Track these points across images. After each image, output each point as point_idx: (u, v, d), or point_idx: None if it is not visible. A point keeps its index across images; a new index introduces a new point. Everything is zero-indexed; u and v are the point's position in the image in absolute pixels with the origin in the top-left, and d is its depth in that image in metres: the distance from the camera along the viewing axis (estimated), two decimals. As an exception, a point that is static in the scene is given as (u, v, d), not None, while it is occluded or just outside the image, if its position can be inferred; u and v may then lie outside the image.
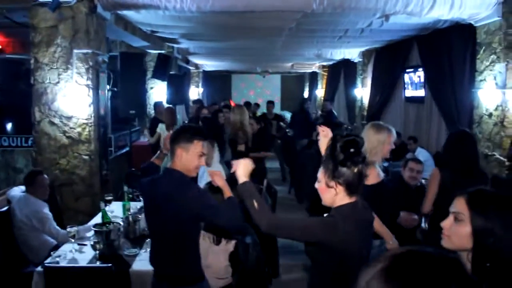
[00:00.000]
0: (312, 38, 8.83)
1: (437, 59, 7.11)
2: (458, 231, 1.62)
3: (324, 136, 2.56)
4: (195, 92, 15.78)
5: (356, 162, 2.11)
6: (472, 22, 6.10)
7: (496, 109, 5.70)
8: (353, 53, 11.52)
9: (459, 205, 1.64)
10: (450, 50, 6.68)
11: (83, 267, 3.16)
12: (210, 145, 6.01)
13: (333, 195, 2.15)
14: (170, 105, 8.68)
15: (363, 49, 10.88)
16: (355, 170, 2.10)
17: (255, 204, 2.17)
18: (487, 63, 5.89)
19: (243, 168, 2.31)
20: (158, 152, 3.23)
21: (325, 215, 2.21)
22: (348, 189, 2.12)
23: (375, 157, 3.28)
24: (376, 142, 3.30)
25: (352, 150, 2.11)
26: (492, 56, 5.79)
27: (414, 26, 7.10)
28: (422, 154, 6.90)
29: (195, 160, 2.67)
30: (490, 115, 5.81)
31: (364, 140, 2.53)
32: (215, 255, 3.25)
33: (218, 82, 19.89)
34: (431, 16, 5.77)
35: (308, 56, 12.37)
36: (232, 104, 12.35)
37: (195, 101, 12.15)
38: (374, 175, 3.29)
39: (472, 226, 1.59)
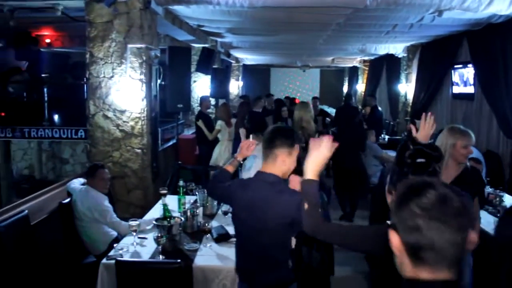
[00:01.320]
0: (359, 33, 8.72)
1: (489, 55, 6.92)
2: None
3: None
4: (235, 85, 15.84)
5: (420, 173, 1.90)
6: (530, 17, 5.91)
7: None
8: (397, 48, 11.32)
9: None
10: (504, 46, 6.49)
11: (152, 261, 3.23)
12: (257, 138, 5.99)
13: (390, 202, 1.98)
14: (224, 101, 8.79)
15: (408, 44, 10.69)
16: None
17: (305, 205, 2.02)
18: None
19: (313, 162, 2.04)
20: (232, 159, 3.15)
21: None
22: None
23: (446, 161, 3.20)
24: (446, 146, 3.25)
25: (419, 160, 1.96)
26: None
27: (467, 21, 6.92)
28: (473, 152, 6.73)
29: (294, 163, 2.63)
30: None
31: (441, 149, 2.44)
32: None
33: (257, 75, 19.91)
34: (488, 12, 5.61)
35: (351, 50, 12.23)
36: (296, 101, 12.37)
37: (242, 97, 12.20)
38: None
39: None
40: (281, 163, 2.58)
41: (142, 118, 5.57)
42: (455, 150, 3.25)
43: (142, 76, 5.53)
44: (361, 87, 17.01)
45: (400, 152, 2.03)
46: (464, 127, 3.42)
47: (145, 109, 5.59)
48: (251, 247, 2.68)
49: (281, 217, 2.49)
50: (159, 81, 6.34)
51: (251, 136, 6.01)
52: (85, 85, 6.16)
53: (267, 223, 2.54)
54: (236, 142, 6.56)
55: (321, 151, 2.03)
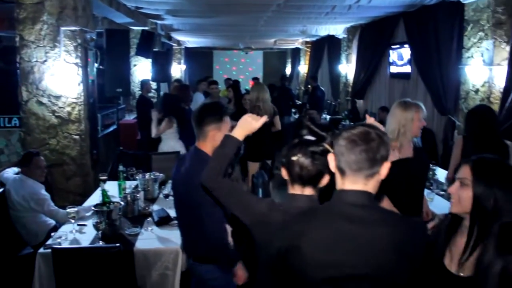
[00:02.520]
0: (299, 14, 8.78)
1: (423, 36, 7.15)
2: (463, 195, 1.70)
3: None
4: (177, 69, 15.61)
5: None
6: (460, -1, 6.15)
7: (483, 86, 5.79)
8: (338, 29, 11.52)
9: (465, 171, 1.72)
10: (437, 27, 6.72)
11: (90, 247, 3.16)
12: (170, 121, 5.98)
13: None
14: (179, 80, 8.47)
15: (348, 25, 10.88)
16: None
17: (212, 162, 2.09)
18: (475, 40, 5.96)
19: (242, 126, 2.12)
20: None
21: None
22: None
23: (403, 136, 3.21)
24: (404, 121, 3.22)
25: (309, 137, 1.95)
26: (480, 33, 5.85)
27: (402, 2, 7.13)
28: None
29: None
30: (477, 91, 5.90)
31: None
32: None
33: (200, 58, 19.71)
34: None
35: (292, 32, 12.32)
36: (251, 82, 12.26)
37: (176, 80, 12.00)
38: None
39: (473, 190, 1.67)
40: (211, 138, 2.63)
41: (79, 104, 5.41)
42: (414, 124, 3.23)
43: (78, 60, 5.35)
44: (303, 68, 17.20)
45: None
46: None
47: (82, 94, 5.42)
48: (185, 220, 2.77)
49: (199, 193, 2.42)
50: (96, 65, 6.15)
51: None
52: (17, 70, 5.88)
53: (186, 197, 2.63)
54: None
55: (253, 122, 2.13)
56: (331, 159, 1.65)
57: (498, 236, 1.05)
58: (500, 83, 5.42)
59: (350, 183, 1.60)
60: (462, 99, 6.25)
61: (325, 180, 1.91)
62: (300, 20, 9.81)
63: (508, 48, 5.29)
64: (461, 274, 1.69)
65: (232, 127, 2.29)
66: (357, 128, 1.62)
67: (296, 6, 7.76)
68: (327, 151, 1.82)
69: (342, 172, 1.61)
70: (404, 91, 8.62)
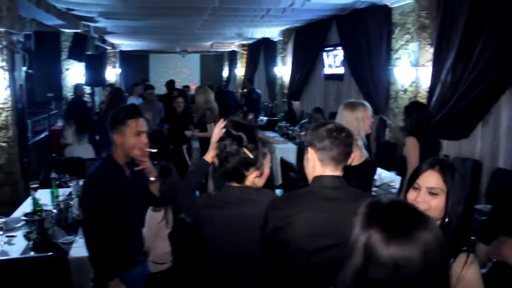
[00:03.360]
0: (234, 17, 8.84)
1: (355, 38, 7.40)
2: (433, 204, 1.73)
3: None
4: (112, 73, 15.26)
5: (237, 145, 2.18)
6: (387, 3, 6.41)
7: (410, 85, 6.07)
8: (273, 32, 11.67)
9: (433, 179, 1.75)
10: (367, 30, 6.98)
11: (21, 258, 3.00)
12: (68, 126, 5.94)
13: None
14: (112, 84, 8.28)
15: (283, 28, 11.05)
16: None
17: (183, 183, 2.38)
18: (402, 43, 6.24)
19: (211, 145, 2.28)
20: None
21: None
22: None
23: (357, 136, 3.26)
24: (356, 121, 3.31)
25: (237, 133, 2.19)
26: (406, 36, 6.14)
27: (334, 6, 7.33)
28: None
29: (131, 141, 2.62)
30: (405, 90, 6.18)
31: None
32: (162, 239, 3.25)
33: (135, 62, 19.34)
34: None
35: (229, 35, 12.37)
36: (193, 87, 12.19)
37: (109, 85, 11.73)
38: (358, 155, 3.28)
39: (448, 198, 1.72)
40: (120, 145, 2.64)
41: (6, 109, 5.17)
42: (365, 122, 3.34)
43: (4, 64, 5.11)
44: (240, 71, 17.29)
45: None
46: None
47: (9, 100, 5.19)
48: None
49: None
50: (24, 68, 5.90)
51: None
52: None
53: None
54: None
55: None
56: (312, 153, 1.92)
57: (363, 214, 1.13)
58: (425, 83, 5.70)
59: (330, 171, 1.91)
60: (392, 99, 6.52)
61: (252, 176, 2.18)
62: (236, 23, 9.87)
63: (432, 50, 5.57)
64: None
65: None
66: (330, 125, 1.93)
67: (232, 9, 7.80)
68: (241, 150, 2.12)
69: (324, 163, 1.91)
70: (338, 92, 8.87)
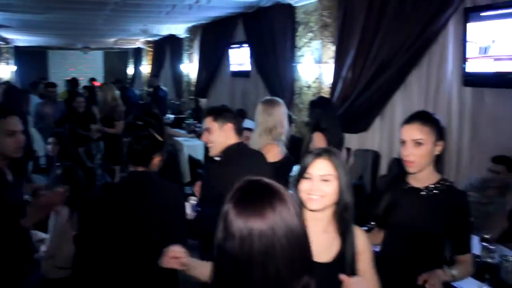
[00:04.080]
0: (138, 13, 8.64)
1: (261, 36, 7.56)
2: (327, 190, 1.82)
3: None
4: (6, 70, 14.28)
5: (137, 134, 2.32)
6: (291, 2, 6.63)
7: (314, 82, 6.33)
8: (179, 29, 11.57)
9: (325, 167, 1.83)
10: (272, 28, 7.16)
11: None
12: None
13: None
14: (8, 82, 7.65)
15: (189, 25, 10.99)
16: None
17: None
18: (306, 40, 6.49)
19: None
20: None
21: None
22: None
23: (281, 130, 3.42)
24: (281, 116, 3.43)
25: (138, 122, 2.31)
26: (309, 34, 6.39)
27: (240, 3, 7.44)
28: (250, 125, 7.27)
29: (4, 141, 2.52)
30: (309, 86, 6.44)
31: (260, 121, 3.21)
32: (67, 242, 3.13)
33: (33, 59, 18.18)
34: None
35: (133, 31, 12.07)
36: (97, 84, 11.72)
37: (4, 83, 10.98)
38: (276, 152, 3.40)
39: (339, 183, 1.83)
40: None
41: None
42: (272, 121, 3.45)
43: None
44: (146, 68, 16.94)
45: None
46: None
47: None
48: None
49: None
50: None
51: None
52: None
53: None
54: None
55: None
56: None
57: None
58: (328, 79, 5.98)
59: None
60: (296, 95, 6.76)
61: (156, 160, 2.31)
62: (140, 19, 9.65)
63: (334, 48, 5.85)
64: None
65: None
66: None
67: (135, 5, 7.63)
68: (150, 136, 2.25)
69: None
70: (244, 89, 9.01)
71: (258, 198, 1.19)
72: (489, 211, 3.57)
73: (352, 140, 5.69)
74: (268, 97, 3.71)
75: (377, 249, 2.45)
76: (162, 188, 2.31)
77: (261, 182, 1.25)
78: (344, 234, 1.85)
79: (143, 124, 2.25)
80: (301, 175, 1.86)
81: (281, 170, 3.31)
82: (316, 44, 6.22)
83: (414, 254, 2.23)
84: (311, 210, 1.84)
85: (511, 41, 3.78)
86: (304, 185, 1.84)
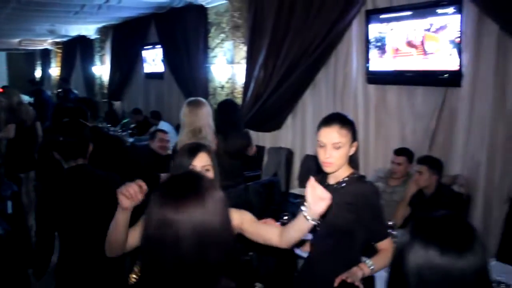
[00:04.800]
0: (44, 12, 8.22)
1: (174, 37, 7.49)
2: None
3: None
4: None
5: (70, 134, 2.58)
6: (203, 3, 6.65)
7: (227, 82, 6.39)
8: (90, 30, 11.17)
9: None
10: (185, 29, 7.13)
11: None
12: None
13: None
14: None
15: (100, 25, 10.65)
16: None
17: None
18: (218, 41, 6.53)
19: None
20: None
21: None
22: None
23: (208, 131, 3.44)
24: (205, 117, 3.46)
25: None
26: (221, 35, 6.44)
27: (151, 4, 7.33)
28: (165, 126, 7.19)
29: None
30: (223, 87, 6.49)
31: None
32: None
33: None
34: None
35: (39, 31, 11.47)
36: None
37: None
38: None
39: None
40: None
41: None
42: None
43: None
44: (55, 70, 16.19)
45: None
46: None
47: None
48: None
49: None
50: None
51: None
52: None
53: None
54: None
55: None
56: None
57: None
58: (241, 79, 6.06)
59: None
60: (210, 95, 6.78)
61: (90, 149, 2.57)
62: (47, 18, 9.19)
63: (245, 48, 5.93)
64: None
65: None
66: None
67: (40, 3, 7.26)
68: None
69: None
70: (159, 91, 8.90)
71: (180, 191, 1.23)
72: (394, 200, 3.80)
73: (266, 139, 5.81)
74: (193, 98, 3.72)
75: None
76: (103, 177, 2.57)
77: (189, 176, 1.33)
78: None
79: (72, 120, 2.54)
80: None
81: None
82: (228, 45, 6.29)
83: (335, 248, 2.30)
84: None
85: (406, 42, 4.05)
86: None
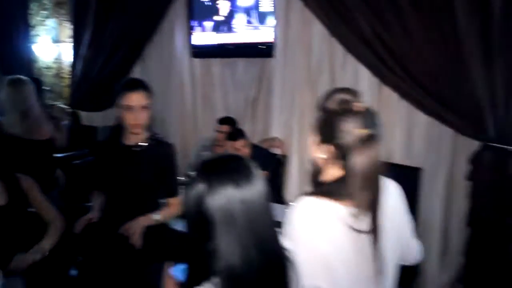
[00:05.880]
0: None
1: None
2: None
3: None
4: None
5: None
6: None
7: (54, 62, 6.06)
8: None
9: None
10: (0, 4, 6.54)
11: None
12: None
13: None
14: None
15: None
16: None
17: None
18: (41, 19, 6.14)
19: None
20: None
21: None
22: None
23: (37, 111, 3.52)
24: (31, 97, 3.47)
25: None
26: (44, 12, 6.06)
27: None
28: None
29: None
30: (49, 67, 6.14)
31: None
32: None
33: None
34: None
35: None
36: None
37: None
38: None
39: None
40: None
41: None
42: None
43: None
44: None
45: None
46: None
47: None
48: None
49: None
50: None
51: None
52: None
53: None
54: None
55: None
56: None
57: None
58: (68, 59, 5.79)
59: None
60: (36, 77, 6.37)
61: None
62: None
63: (71, 27, 5.67)
64: None
65: None
66: None
67: None
68: None
69: None
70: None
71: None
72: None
73: (98, 118, 5.66)
74: (12, 77, 3.49)
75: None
76: None
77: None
78: None
79: None
80: None
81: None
82: (51, 22, 5.95)
83: (134, 205, 2.42)
84: None
85: (227, 16, 4.28)
86: None
